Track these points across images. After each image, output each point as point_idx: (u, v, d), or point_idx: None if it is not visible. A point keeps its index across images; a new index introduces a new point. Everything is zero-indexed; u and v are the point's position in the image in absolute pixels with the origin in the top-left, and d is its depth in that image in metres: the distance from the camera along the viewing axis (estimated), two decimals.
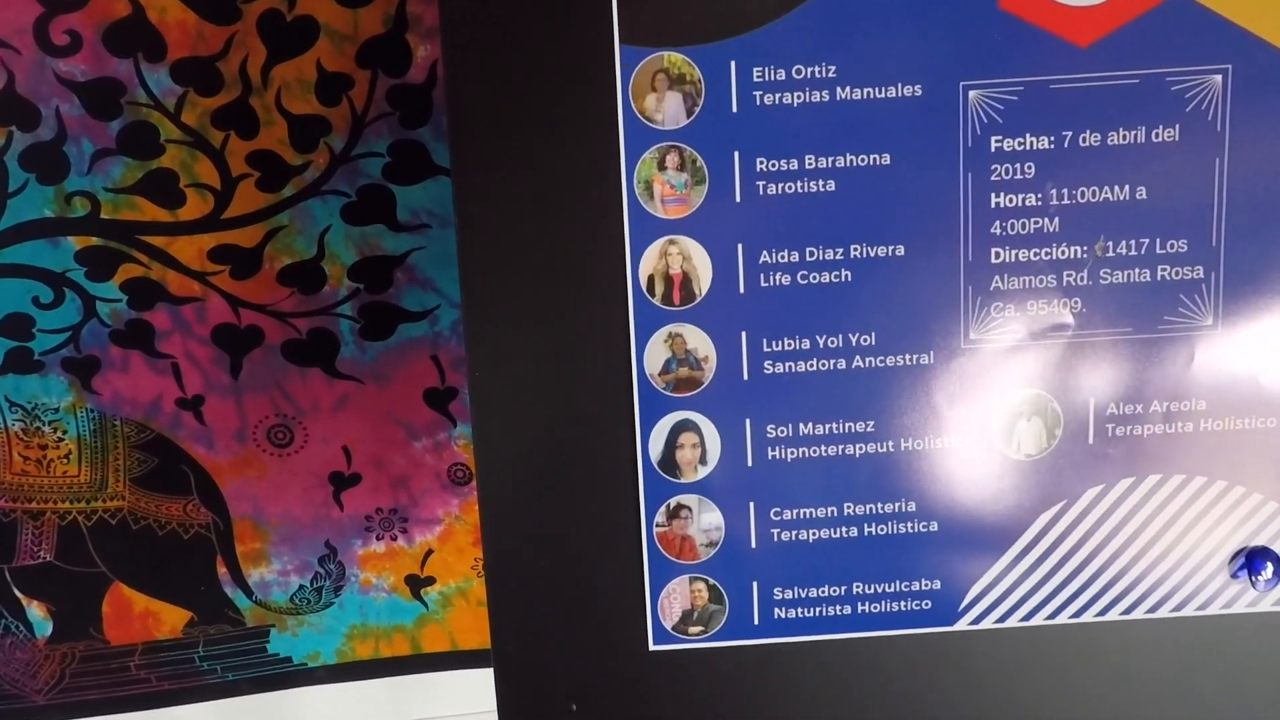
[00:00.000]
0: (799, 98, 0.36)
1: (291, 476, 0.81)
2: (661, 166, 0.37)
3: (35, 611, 0.83)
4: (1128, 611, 0.40)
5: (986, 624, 0.40)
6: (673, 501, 0.39)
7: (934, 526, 0.39)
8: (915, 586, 0.40)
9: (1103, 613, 0.40)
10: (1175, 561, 0.40)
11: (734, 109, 0.36)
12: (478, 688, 0.93)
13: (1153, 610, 0.40)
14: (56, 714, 0.87)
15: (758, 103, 0.36)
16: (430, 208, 0.77)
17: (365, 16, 0.71)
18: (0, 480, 0.79)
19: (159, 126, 0.70)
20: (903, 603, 0.40)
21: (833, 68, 0.36)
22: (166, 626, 0.85)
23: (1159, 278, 0.38)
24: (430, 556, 0.85)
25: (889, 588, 0.40)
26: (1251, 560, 0.39)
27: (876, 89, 0.36)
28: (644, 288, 0.38)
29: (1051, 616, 0.40)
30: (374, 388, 0.79)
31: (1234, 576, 0.40)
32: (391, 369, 0.79)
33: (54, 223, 0.72)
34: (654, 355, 0.38)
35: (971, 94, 0.36)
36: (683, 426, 0.39)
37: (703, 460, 0.39)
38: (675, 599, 0.40)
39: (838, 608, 0.39)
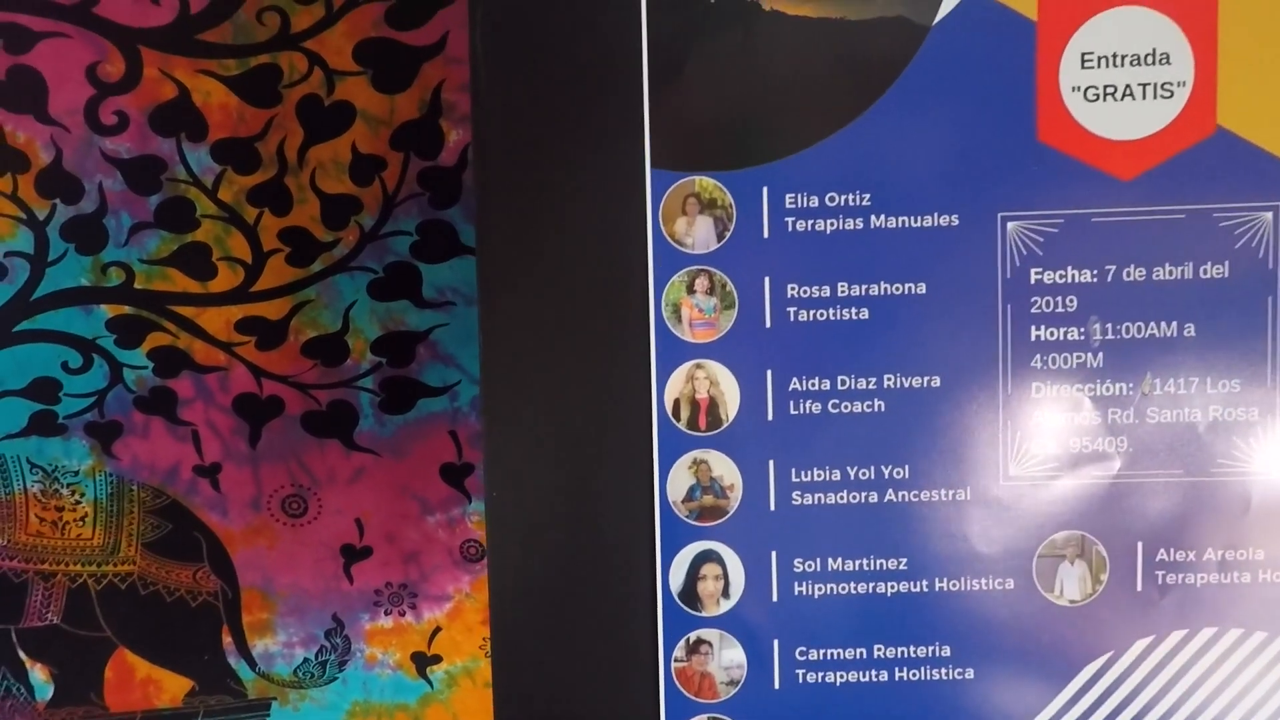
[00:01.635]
0: (832, 225, 0.35)
1: (303, 547, 0.80)
2: (690, 290, 0.36)
3: (38, 674, 0.82)
4: None
5: None
6: (693, 636, 0.37)
7: (970, 674, 0.36)
8: None
9: None
10: (1240, 718, 0.37)
11: (765, 234, 0.36)
12: None
13: None
14: None
15: (790, 229, 0.35)
16: (456, 285, 0.78)
17: (401, 102, 0.73)
18: (15, 541, 0.79)
19: (196, 202, 0.72)
20: None
21: (867, 195, 0.35)
22: (167, 695, 0.83)
23: (1210, 417, 0.36)
24: (438, 634, 0.83)
25: None
26: None
27: (912, 218, 0.35)
28: (669, 412, 0.36)
29: None
30: (390, 461, 0.79)
31: None
32: (409, 443, 0.79)
33: (89, 291, 0.73)
34: (677, 482, 0.36)
35: (1010, 225, 0.35)
36: (705, 557, 0.37)
37: (725, 593, 0.37)
38: None
39: None
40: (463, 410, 0.79)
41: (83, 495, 0.78)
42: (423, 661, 0.84)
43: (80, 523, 0.79)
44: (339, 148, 0.72)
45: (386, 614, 0.83)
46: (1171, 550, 0.36)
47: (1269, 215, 0.35)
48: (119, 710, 0.84)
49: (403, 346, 0.76)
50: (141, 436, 0.77)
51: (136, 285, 0.73)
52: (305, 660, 0.83)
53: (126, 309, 0.74)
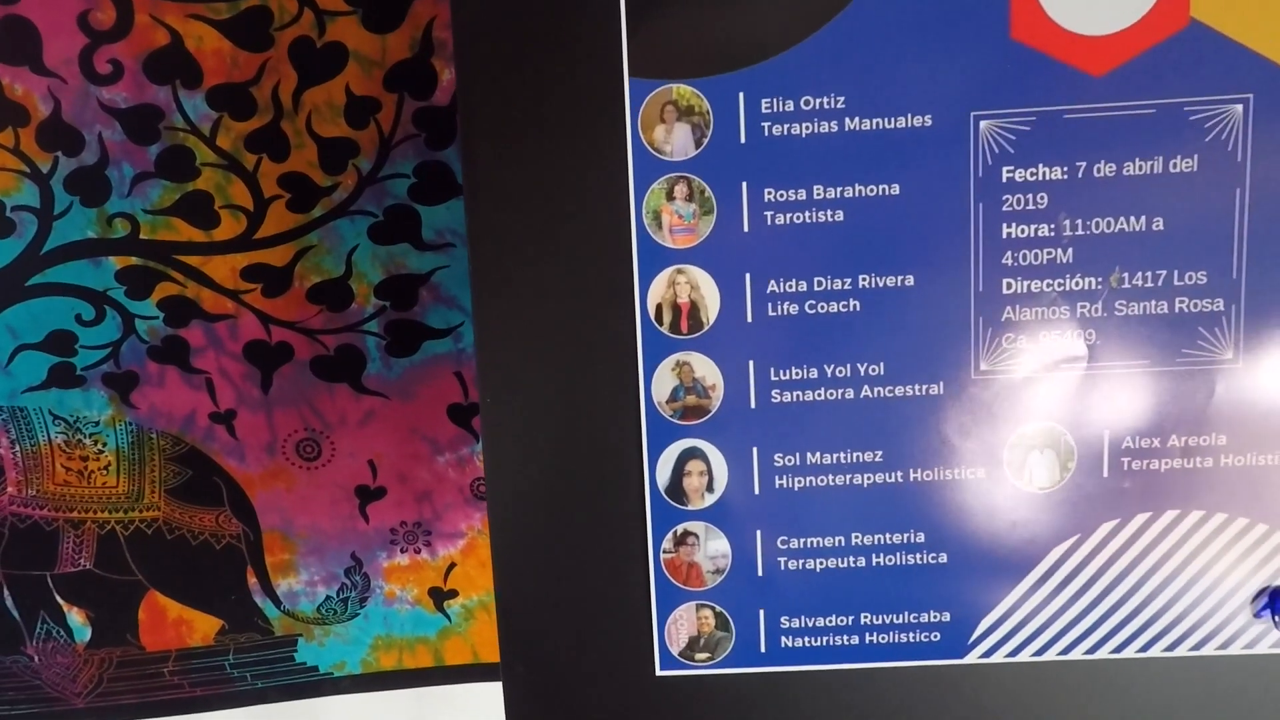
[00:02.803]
0: (807, 129, 0.36)
1: (319, 489, 0.83)
2: (670, 197, 0.37)
3: (75, 617, 0.85)
4: (1145, 649, 0.39)
5: (997, 658, 0.39)
6: (680, 528, 0.39)
7: (943, 558, 0.39)
8: (924, 618, 0.39)
9: (1119, 650, 0.39)
10: (1194, 599, 0.39)
11: (742, 140, 0.37)
12: (499, 700, 0.94)
13: (1171, 648, 0.39)
14: (94, 717, 0.89)
15: (766, 134, 0.36)
16: (454, 227, 0.78)
17: (393, 41, 0.73)
18: (44, 490, 0.82)
19: (195, 150, 0.72)
20: (911, 634, 0.39)
21: (841, 99, 0.36)
22: (199, 634, 0.87)
23: (1177, 310, 0.37)
24: (453, 569, 0.86)
25: (897, 618, 0.39)
26: (1275, 600, 0.38)
27: (885, 119, 0.36)
28: (652, 316, 0.38)
29: (1065, 652, 0.39)
30: (399, 403, 0.81)
31: (1257, 616, 0.39)
32: (416, 385, 0.81)
33: (96, 243, 0.74)
34: (662, 383, 0.38)
35: (983, 124, 0.36)
36: (690, 454, 0.39)
37: (710, 488, 0.39)
38: (682, 625, 0.40)
39: (845, 637, 0.39)
40: (467, 351, 0.81)
41: (105, 444, 0.80)
42: (439, 596, 0.87)
43: (105, 471, 0.81)
44: (333, 90, 0.72)
45: (403, 551, 0.86)
46: (1137, 438, 0.38)
47: (1239, 108, 0.35)
48: (155, 649, 0.87)
49: (405, 290, 0.77)
50: (157, 385, 0.79)
51: (142, 236, 0.74)
52: (327, 598, 0.86)
53: (134, 260, 0.75)
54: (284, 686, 0.90)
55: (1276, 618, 0.38)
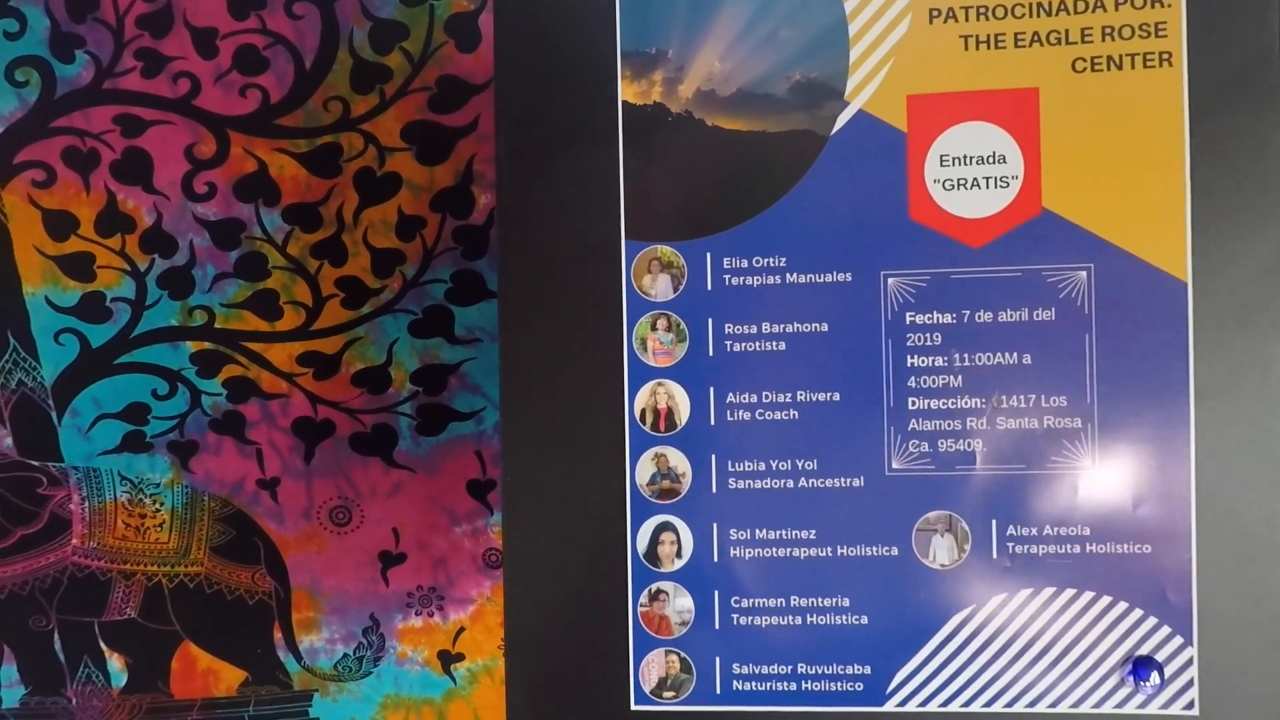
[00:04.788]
0: (758, 280, 0.47)
1: (346, 553, 0.89)
2: (654, 328, 0.48)
3: (115, 663, 0.90)
4: (1033, 704, 0.46)
5: (911, 707, 0.47)
6: (654, 587, 0.48)
7: (865, 620, 0.47)
8: (849, 670, 0.47)
9: (1010, 704, 0.46)
10: (1071, 663, 0.46)
11: (709, 287, 0.48)
12: None
13: (1054, 705, 0.46)
14: None
15: (727, 283, 0.47)
16: (483, 325, 0.88)
17: (440, 173, 0.85)
18: (103, 543, 0.88)
19: (268, 256, 0.83)
20: (839, 683, 0.47)
21: (783, 259, 0.47)
22: (224, 684, 0.91)
23: (1045, 426, 0.46)
24: (461, 634, 0.90)
25: (827, 669, 0.47)
26: (1138, 667, 0.45)
27: (816, 275, 0.47)
28: (638, 418, 0.48)
29: (966, 704, 0.47)
30: (424, 477, 0.88)
31: (1124, 680, 0.46)
32: (441, 461, 0.88)
33: (177, 330, 0.84)
34: (643, 470, 0.48)
35: (890, 280, 0.47)
36: (664, 527, 0.48)
37: (679, 554, 0.48)
38: (653, 668, 0.48)
39: (785, 684, 0.47)
40: (487, 433, 0.89)
41: (162, 504, 0.87)
42: (447, 659, 0.91)
43: (159, 528, 0.88)
44: (387, 210, 0.83)
45: (417, 614, 0.90)
46: (1019, 526, 0.46)
47: (1083, 273, 0.46)
48: (182, 697, 0.91)
49: (437, 377, 0.86)
50: (214, 454, 0.87)
51: (216, 325, 0.84)
52: (344, 655, 0.91)
53: (207, 345, 0.85)
54: None
55: (1138, 683, 0.45)
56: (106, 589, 0.88)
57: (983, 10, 0.45)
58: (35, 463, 0.85)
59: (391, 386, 0.85)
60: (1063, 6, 0.44)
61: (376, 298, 0.83)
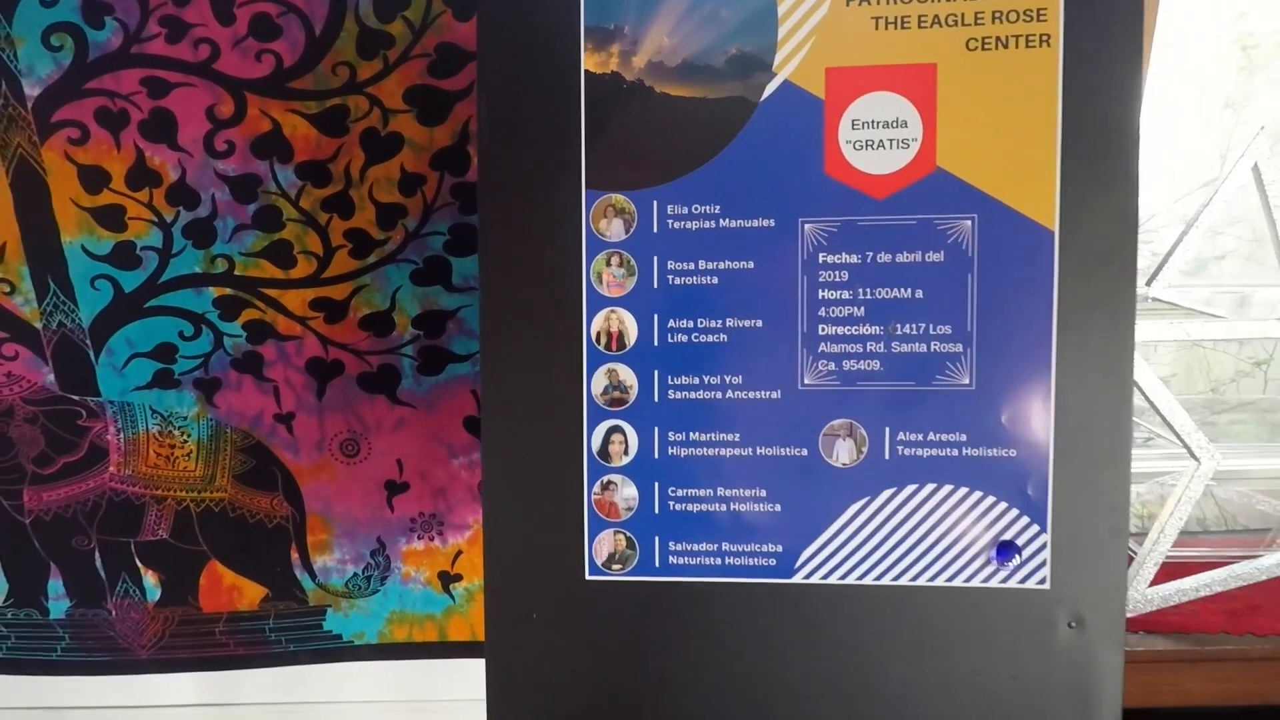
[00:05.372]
0: (696, 225, 0.57)
1: (355, 482, 0.96)
2: (608, 264, 0.58)
3: (149, 579, 0.98)
4: (915, 579, 0.57)
5: (815, 579, 0.57)
6: (605, 478, 0.58)
7: (778, 508, 0.57)
8: (764, 549, 0.58)
9: (896, 578, 0.57)
10: (947, 545, 0.57)
11: (655, 230, 0.57)
12: None
13: (932, 579, 0.57)
14: (154, 668, 1.02)
15: (670, 227, 0.57)
16: (478, 275, 0.95)
17: (439, 133, 0.89)
18: (137, 471, 0.96)
19: (283, 209, 0.89)
20: (755, 559, 0.58)
21: (717, 206, 0.57)
22: (246, 600, 1.00)
23: (932, 350, 0.56)
24: (459, 556, 0.99)
25: (746, 548, 0.58)
26: (1001, 550, 0.56)
27: (745, 220, 0.56)
28: (594, 339, 0.58)
29: (861, 577, 0.57)
30: (425, 414, 0.95)
31: (990, 560, 0.56)
32: (440, 399, 0.95)
33: (201, 277, 0.91)
34: (598, 382, 0.58)
35: (806, 226, 0.56)
36: (614, 429, 0.58)
37: (626, 452, 0.58)
38: (604, 545, 0.58)
39: (712, 559, 0.58)
40: None
41: (189, 436, 0.95)
42: (446, 579, 1.00)
43: (187, 458, 0.96)
44: (391, 168, 0.89)
45: (419, 538, 0.99)
46: (908, 432, 0.56)
47: (968, 222, 0.55)
48: (210, 611, 1.00)
49: (436, 322, 0.93)
50: (235, 390, 0.94)
51: (236, 272, 0.91)
52: (354, 575, 0.99)
53: (228, 290, 0.91)
54: (313, 651, 1.02)
55: (1002, 562, 0.56)
56: (141, 512, 0.96)
57: None
58: (75, 397, 0.92)
59: (395, 330, 0.92)
60: None
61: (381, 248, 0.90)
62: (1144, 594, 0.83)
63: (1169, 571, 0.84)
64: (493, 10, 0.53)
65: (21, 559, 0.97)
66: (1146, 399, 0.75)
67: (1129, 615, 0.82)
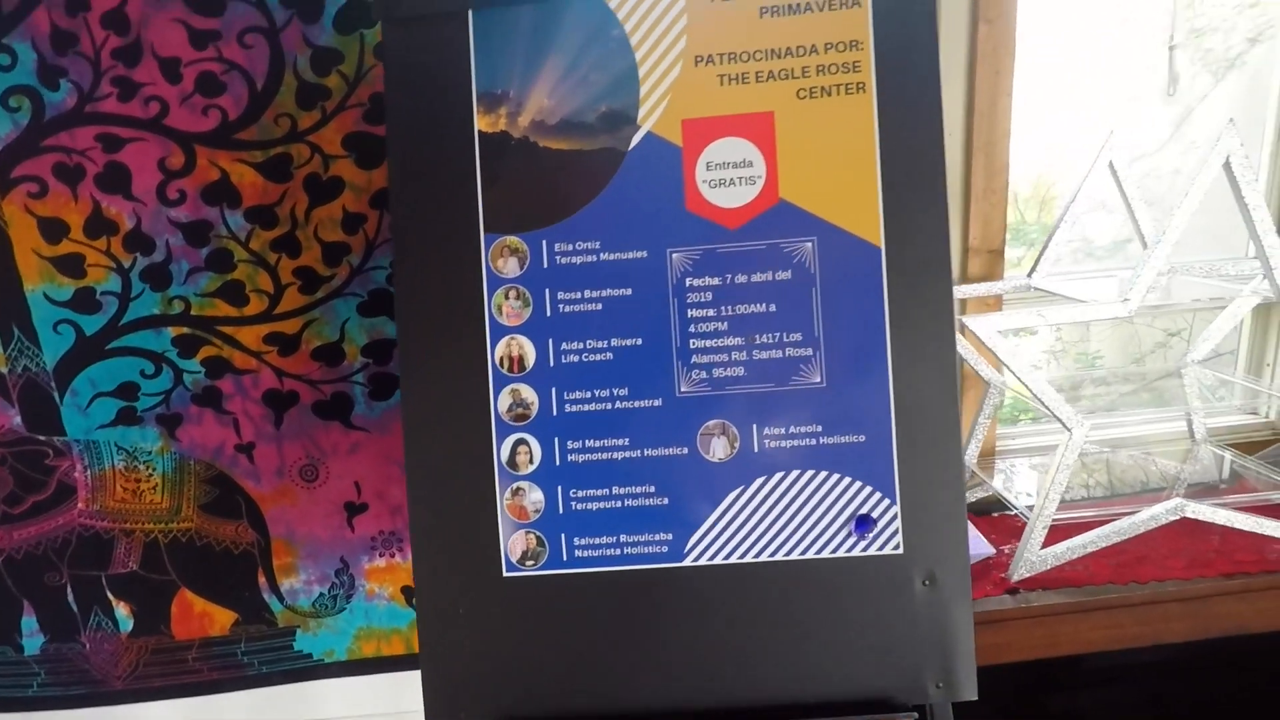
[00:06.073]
0: (580, 259, 0.68)
1: (316, 505, 1.02)
2: (507, 297, 0.69)
3: (121, 610, 1.03)
4: (789, 554, 0.67)
5: (702, 561, 0.68)
6: (514, 485, 0.69)
7: (666, 501, 0.67)
8: (656, 538, 0.68)
9: (773, 554, 0.67)
10: (813, 522, 0.67)
11: (545, 265, 0.68)
12: None
13: (804, 553, 0.67)
14: (130, 698, 1.05)
15: (558, 262, 0.68)
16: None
17: (376, 175, 0.96)
18: (105, 506, 1.00)
19: (234, 251, 0.96)
20: (650, 547, 0.68)
21: (597, 242, 0.67)
22: (218, 625, 1.04)
23: (787, 355, 0.67)
24: None
25: (641, 538, 0.68)
26: (859, 524, 0.66)
27: (621, 253, 0.67)
28: (498, 364, 0.69)
29: (741, 557, 0.68)
30: (379, 436, 1.01)
31: (851, 533, 0.67)
32: (392, 422, 1.01)
33: (159, 318, 0.97)
34: (503, 401, 0.69)
35: (674, 255, 0.67)
36: (520, 442, 0.69)
37: (531, 461, 0.69)
38: (517, 545, 0.69)
39: (612, 550, 0.68)
40: None
41: (154, 470, 1.00)
42: (409, 594, 1.05)
43: (153, 491, 1.00)
44: (334, 209, 0.96)
45: (381, 556, 1.04)
46: (771, 427, 0.67)
47: (810, 245, 0.66)
48: (182, 638, 1.04)
49: (384, 350, 0.99)
50: (197, 424, 0.99)
51: (193, 312, 0.97)
52: (321, 595, 1.04)
53: (185, 329, 0.97)
54: (285, 671, 1.06)
55: (862, 534, 0.66)
56: (110, 546, 1.00)
57: (732, 56, 0.64)
58: (42, 437, 0.97)
59: (345, 360, 0.98)
60: (788, 51, 0.64)
61: (328, 284, 0.96)
62: (1038, 555, 0.94)
63: (1064, 533, 0.95)
64: (397, 80, 0.64)
65: None
66: (1022, 381, 0.86)
67: (1026, 575, 0.93)
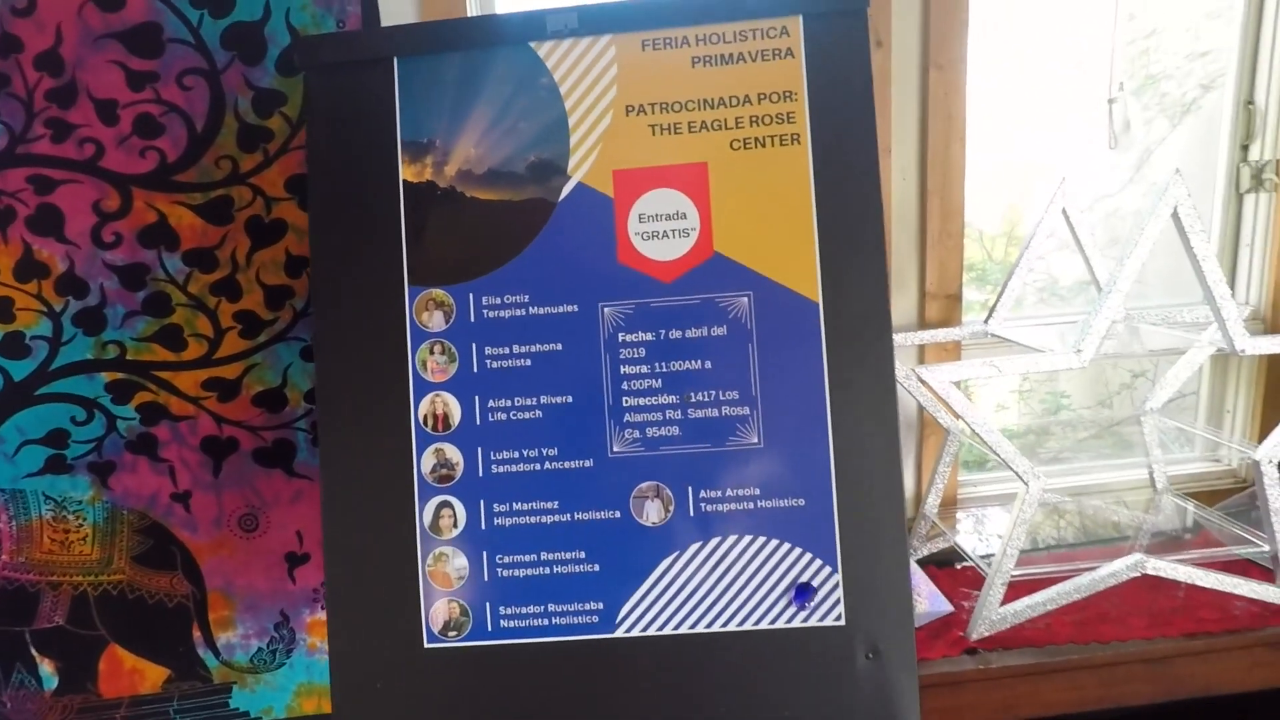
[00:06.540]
0: (508, 313, 0.65)
1: (256, 556, 0.99)
2: (431, 352, 0.66)
3: (45, 667, 0.98)
4: (726, 624, 0.64)
5: (635, 632, 0.64)
6: (437, 550, 0.65)
7: (597, 568, 0.64)
8: (587, 607, 0.64)
9: (709, 625, 0.64)
10: (751, 590, 0.64)
11: (472, 319, 0.65)
12: None
13: (741, 624, 0.64)
14: None
15: (485, 316, 0.65)
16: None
17: None
18: (31, 558, 0.97)
19: (172, 295, 0.94)
20: (580, 617, 0.64)
21: (526, 295, 0.64)
22: (149, 682, 1.00)
23: (723, 414, 0.64)
24: None
25: (570, 607, 0.64)
26: (799, 592, 0.63)
27: (551, 307, 0.64)
28: (421, 421, 0.65)
29: (676, 628, 0.64)
30: None
31: (791, 603, 0.64)
32: None
33: (92, 363, 0.94)
34: (427, 461, 0.65)
35: (606, 310, 0.64)
36: (443, 504, 0.65)
37: (455, 525, 0.65)
38: (440, 613, 0.64)
39: (540, 620, 0.64)
40: None
41: (85, 519, 0.96)
42: None
43: (83, 542, 0.97)
44: (276, 251, 0.94)
45: (323, 608, 0.97)
46: (708, 490, 0.64)
47: (745, 300, 0.64)
48: (110, 697, 0.99)
49: None
50: (131, 472, 0.96)
51: (128, 357, 0.95)
52: (259, 649, 1.00)
53: (120, 375, 0.95)
54: None
55: (802, 604, 0.63)
56: (36, 599, 0.97)
57: (664, 105, 0.62)
58: None
59: (288, 405, 0.96)
60: (721, 101, 0.62)
61: (271, 328, 0.95)
62: (997, 613, 0.90)
63: (1025, 589, 0.92)
64: (320, 128, 0.61)
65: None
66: (978, 435, 0.84)
67: (985, 635, 0.90)
